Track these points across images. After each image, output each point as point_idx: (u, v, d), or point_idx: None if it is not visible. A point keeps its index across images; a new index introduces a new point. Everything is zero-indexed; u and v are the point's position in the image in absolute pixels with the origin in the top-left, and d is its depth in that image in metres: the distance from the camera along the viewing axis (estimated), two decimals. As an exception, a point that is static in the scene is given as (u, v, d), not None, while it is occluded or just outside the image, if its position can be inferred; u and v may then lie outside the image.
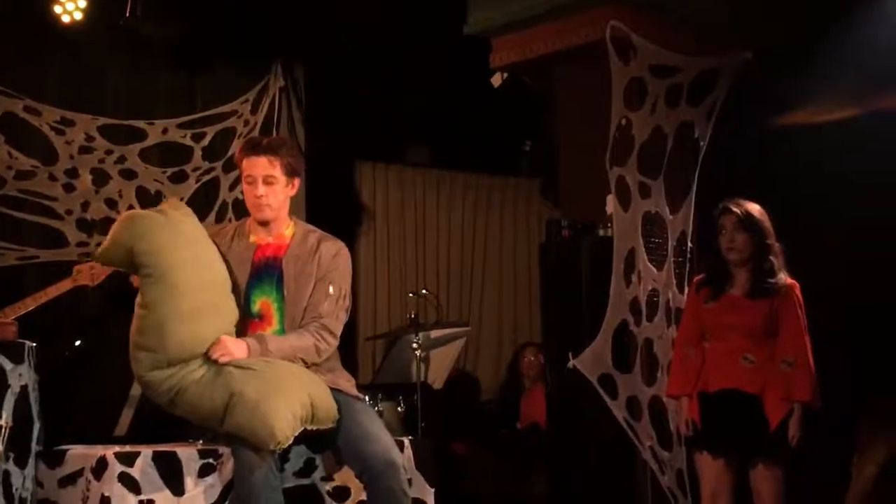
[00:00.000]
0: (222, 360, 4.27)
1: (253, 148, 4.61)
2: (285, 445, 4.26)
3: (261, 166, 4.56)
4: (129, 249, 4.28)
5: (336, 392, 4.48)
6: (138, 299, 4.33)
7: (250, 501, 4.22)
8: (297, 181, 4.67)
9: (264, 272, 4.58)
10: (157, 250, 4.30)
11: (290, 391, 4.29)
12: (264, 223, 4.62)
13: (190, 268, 4.35)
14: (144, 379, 4.32)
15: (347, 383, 4.64)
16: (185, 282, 4.31)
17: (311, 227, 4.77)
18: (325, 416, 4.39)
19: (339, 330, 4.59)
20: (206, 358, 4.29)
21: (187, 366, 4.27)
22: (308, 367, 4.49)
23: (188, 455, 4.36)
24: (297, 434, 4.27)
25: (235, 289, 4.51)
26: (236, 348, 4.33)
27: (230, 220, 7.29)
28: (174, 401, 4.30)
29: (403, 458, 4.52)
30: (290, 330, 4.53)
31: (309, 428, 4.33)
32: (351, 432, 4.44)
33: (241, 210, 7.29)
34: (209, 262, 4.45)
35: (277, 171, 4.56)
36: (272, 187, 4.56)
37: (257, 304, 4.58)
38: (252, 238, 4.65)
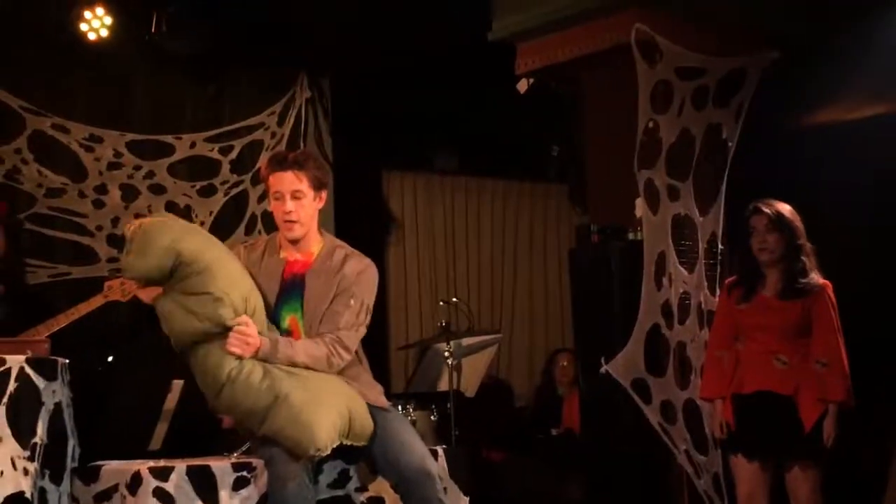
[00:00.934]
0: (234, 351, 4.25)
1: (279, 163, 4.58)
2: (325, 453, 4.26)
3: (288, 181, 4.53)
4: (174, 252, 4.23)
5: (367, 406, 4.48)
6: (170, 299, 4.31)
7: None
8: (324, 194, 4.65)
9: (290, 288, 4.57)
10: (201, 249, 4.30)
11: (333, 402, 4.31)
12: (294, 241, 4.61)
13: (228, 261, 4.39)
14: (210, 361, 4.30)
15: (374, 392, 4.61)
16: (230, 271, 4.34)
17: (340, 242, 4.74)
18: (360, 433, 4.40)
19: (354, 345, 4.55)
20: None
21: (242, 361, 4.27)
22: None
23: (222, 469, 4.37)
24: (335, 445, 4.28)
25: (266, 304, 4.50)
26: (254, 342, 4.29)
27: (259, 233, 7.30)
28: (221, 393, 4.28)
29: (438, 466, 4.51)
30: None
31: (345, 442, 4.34)
32: (385, 443, 4.44)
33: (270, 222, 7.29)
34: (235, 259, 4.49)
35: (305, 186, 4.54)
36: (300, 202, 4.54)
37: (286, 321, 4.56)
38: (283, 254, 4.64)
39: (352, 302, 4.53)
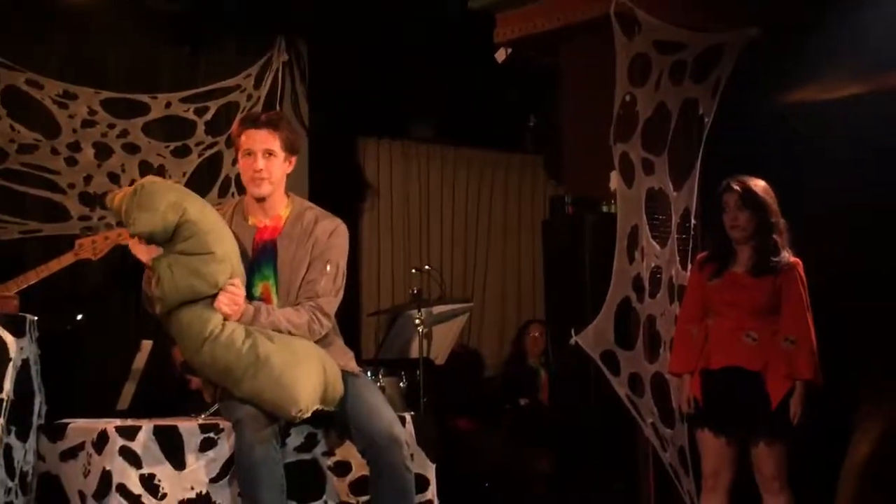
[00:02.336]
0: (223, 310, 4.26)
1: (253, 122, 4.58)
2: (306, 415, 4.29)
3: (261, 139, 4.52)
4: (181, 209, 4.23)
5: None
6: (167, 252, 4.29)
7: (252, 476, 4.22)
8: (294, 159, 4.63)
9: (262, 256, 4.55)
10: (203, 210, 4.33)
11: (312, 366, 4.32)
12: (261, 199, 4.57)
13: (225, 226, 4.41)
14: (195, 319, 4.30)
15: (345, 357, 4.62)
16: (229, 236, 4.38)
17: (308, 204, 4.72)
18: (333, 398, 4.42)
19: (333, 311, 4.56)
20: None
21: (225, 322, 4.28)
22: None
23: (189, 429, 4.36)
24: (314, 409, 4.31)
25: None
26: (241, 307, 4.33)
27: (233, 195, 7.28)
28: (202, 348, 4.27)
29: (405, 433, 4.52)
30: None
31: (319, 407, 4.35)
32: (354, 408, 4.44)
33: (243, 185, 7.29)
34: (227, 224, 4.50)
35: (277, 146, 4.52)
36: (271, 160, 4.52)
37: (259, 289, 4.55)
38: (251, 220, 4.62)
39: (328, 268, 4.53)
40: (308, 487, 4.50)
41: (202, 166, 7.43)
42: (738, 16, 6.26)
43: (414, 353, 6.82)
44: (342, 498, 4.63)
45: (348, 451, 4.60)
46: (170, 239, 4.26)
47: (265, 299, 4.54)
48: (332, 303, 4.54)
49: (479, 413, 7.93)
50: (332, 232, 4.58)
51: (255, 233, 4.58)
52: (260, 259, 4.55)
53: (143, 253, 4.33)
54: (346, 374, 4.51)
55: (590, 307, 6.09)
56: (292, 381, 4.23)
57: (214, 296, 4.27)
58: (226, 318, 4.29)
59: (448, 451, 6.33)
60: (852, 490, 2.53)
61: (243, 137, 4.55)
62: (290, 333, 4.41)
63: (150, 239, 4.28)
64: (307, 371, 4.29)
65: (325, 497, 4.59)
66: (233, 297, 4.29)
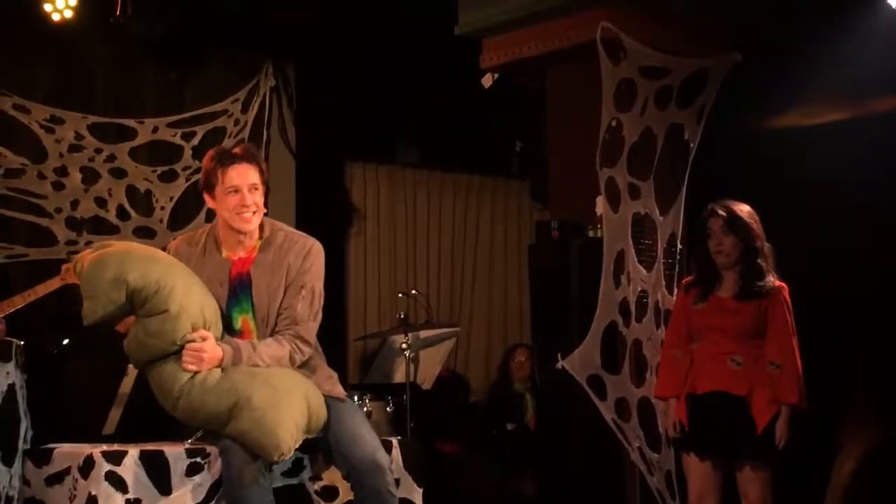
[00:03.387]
0: (189, 367, 4.26)
1: (232, 158, 4.52)
2: (287, 457, 4.30)
3: (245, 174, 4.49)
4: (122, 283, 4.20)
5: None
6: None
7: (241, 502, 4.22)
8: (267, 189, 4.62)
9: (238, 289, 4.53)
10: (145, 270, 4.26)
11: (294, 400, 4.31)
12: (246, 233, 4.55)
13: (177, 274, 4.34)
14: (165, 377, 4.31)
15: (329, 382, 4.60)
16: (182, 284, 4.31)
17: (279, 225, 4.68)
18: (316, 426, 4.42)
19: (313, 336, 4.55)
20: None
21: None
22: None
23: (175, 454, 4.35)
24: (298, 445, 4.31)
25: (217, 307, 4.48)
26: (211, 355, 4.30)
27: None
28: (177, 405, 4.30)
29: (391, 458, 4.52)
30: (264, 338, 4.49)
31: (304, 437, 4.36)
32: (336, 434, 4.44)
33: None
34: (183, 267, 4.45)
35: (258, 179, 4.52)
36: (256, 194, 4.51)
37: (238, 322, 4.55)
38: (225, 253, 4.58)
39: (303, 293, 4.50)
40: (295, 513, 4.49)
41: (189, 191, 7.42)
42: (722, 41, 6.31)
43: (400, 377, 6.82)
44: (330, 523, 4.63)
45: (335, 476, 4.60)
46: (132, 308, 4.27)
47: (244, 331, 4.53)
48: (310, 328, 4.52)
49: (465, 437, 7.92)
50: (307, 254, 4.54)
51: (230, 267, 4.55)
52: (237, 292, 4.53)
53: (122, 327, 4.37)
54: (329, 399, 4.50)
55: (576, 331, 6.10)
56: (274, 423, 4.22)
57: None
58: (195, 373, 4.28)
59: (435, 476, 6.32)
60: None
61: (230, 173, 4.49)
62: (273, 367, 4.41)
63: (113, 320, 4.30)
64: (289, 408, 4.27)
65: (312, 523, 4.59)
66: (196, 354, 4.27)
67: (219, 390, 4.25)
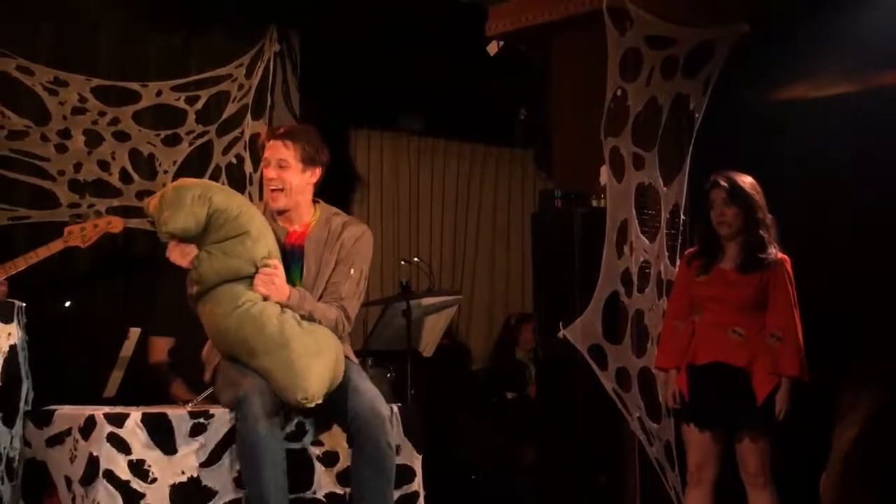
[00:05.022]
0: (260, 290, 4.35)
1: (273, 132, 4.72)
2: (310, 405, 4.34)
3: (275, 149, 4.64)
4: (207, 200, 4.32)
5: None
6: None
7: (254, 453, 4.25)
8: (318, 170, 4.72)
9: (290, 259, 4.63)
10: (228, 196, 4.44)
11: (328, 358, 4.39)
12: (281, 213, 4.65)
13: (255, 209, 4.52)
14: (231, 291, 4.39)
15: (346, 345, 4.69)
16: (260, 218, 4.50)
17: (335, 210, 4.82)
18: (332, 388, 4.47)
19: (355, 314, 4.67)
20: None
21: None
22: None
23: (178, 416, 4.37)
24: (320, 400, 4.36)
25: None
26: (281, 284, 4.43)
27: (223, 184, 7.26)
28: (232, 313, 4.35)
29: (388, 409, 4.53)
30: None
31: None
32: (345, 389, 4.48)
33: (233, 175, 7.29)
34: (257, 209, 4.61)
35: (291, 156, 4.61)
36: (284, 171, 4.62)
37: None
38: (282, 223, 4.71)
39: (352, 272, 4.64)
40: (297, 477, 4.50)
41: (192, 155, 7.40)
42: (729, 12, 6.27)
43: (402, 344, 6.83)
44: (330, 488, 4.64)
45: (337, 442, 4.62)
46: (203, 233, 4.34)
47: None
48: (355, 307, 4.66)
49: (466, 405, 7.94)
50: (359, 238, 4.70)
51: (285, 235, 4.67)
52: (288, 262, 4.61)
53: (180, 257, 4.41)
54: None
55: (578, 301, 6.10)
56: (305, 368, 4.30)
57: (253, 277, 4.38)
58: (265, 298, 4.36)
59: (434, 443, 6.34)
60: (837, 475, 2.54)
61: (266, 146, 4.69)
62: (321, 324, 4.51)
63: (185, 236, 4.35)
64: (323, 362, 4.36)
65: (313, 487, 4.61)
66: (269, 277, 4.38)
67: (268, 325, 4.33)
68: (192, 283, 4.43)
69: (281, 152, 4.62)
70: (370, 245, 4.76)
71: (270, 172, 4.62)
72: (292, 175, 4.62)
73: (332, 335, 4.50)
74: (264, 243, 4.41)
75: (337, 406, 4.47)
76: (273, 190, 4.62)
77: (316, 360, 4.33)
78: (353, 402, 4.44)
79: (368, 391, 4.50)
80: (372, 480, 4.41)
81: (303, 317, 4.46)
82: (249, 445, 4.25)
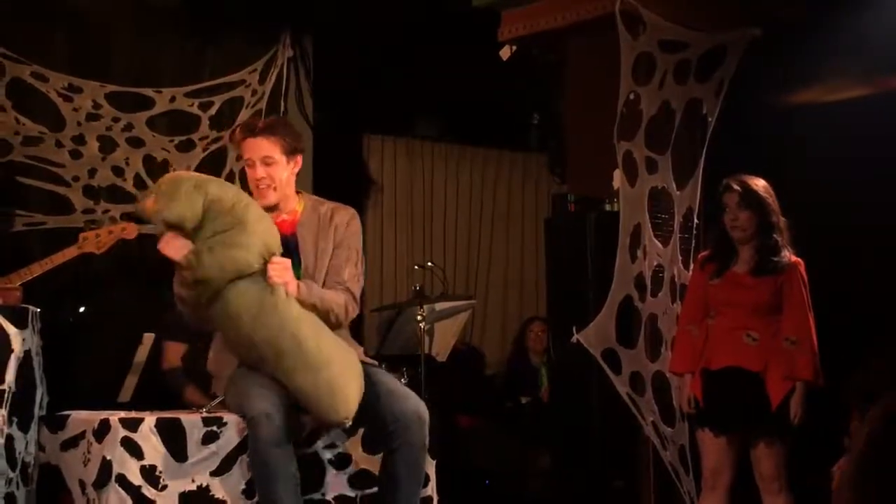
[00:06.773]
0: (275, 280, 4.28)
1: (250, 131, 4.59)
2: (347, 425, 4.36)
3: (258, 148, 4.55)
4: (203, 190, 4.27)
5: None
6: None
7: (267, 473, 4.21)
8: (299, 158, 4.66)
9: (286, 249, 4.54)
10: (223, 187, 4.39)
11: (358, 368, 4.38)
12: (270, 209, 4.59)
13: (250, 199, 4.44)
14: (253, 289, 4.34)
15: (359, 349, 4.68)
16: (256, 208, 4.41)
17: (318, 198, 4.78)
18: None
19: (359, 296, 4.66)
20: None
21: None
22: None
23: (192, 422, 4.36)
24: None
25: None
26: (292, 277, 4.38)
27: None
28: (260, 312, 4.28)
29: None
30: None
31: None
32: (377, 392, 4.44)
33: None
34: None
35: (276, 152, 4.55)
36: (271, 168, 4.55)
37: None
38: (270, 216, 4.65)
39: (349, 254, 4.63)
40: (306, 479, 4.49)
41: (206, 161, 7.43)
42: (741, 16, 6.27)
43: (415, 349, 6.82)
44: (340, 491, 4.63)
45: (349, 444, 4.61)
46: (200, 226, 4.27)
47: None
48: (358, 288, 4.65)
49: (480, 410, 7.93)
50: (351, 219, 4.70)
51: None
52: (284, 252, 4.57)
53: (174, 250, 4.31)
54: (365, 366, 4.53)
55: (592, 305, 6.09)
56: (345, 386, 4.28)
57: (260, 273, 4.30)
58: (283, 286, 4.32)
59: (448, 448, 6.34)
60: (852, 474, 2.53)
61: (244, 147, 4.59)
62: (332, 311, 4.49)
63: (181, 225, 4.28)
64: (353, 375, 4.34)
65: (322, 490, 4.60)
66: (282, 266, 4.33)
67: (304, 339, 4.27)
68: (189, 284, 4.32)
69: (264, 149, 4.54)
70: (360, 227, 4.74)
71: (258, 172, 4.54)
72: (280, 170, 4.57)
73: (349, 349, 4.46)
74: (264, 230, 4.34)
75: (377, 408, 4.42)
76: (262, 188, 4.57)
77: (351, 373, 4.32)
78: (396, 405, 4.39)
79: (409, 394, 4.49)
80: (406, 480, 4.41)
81: (314, 307, 4.43)
82: (261, 467, 4.24)
